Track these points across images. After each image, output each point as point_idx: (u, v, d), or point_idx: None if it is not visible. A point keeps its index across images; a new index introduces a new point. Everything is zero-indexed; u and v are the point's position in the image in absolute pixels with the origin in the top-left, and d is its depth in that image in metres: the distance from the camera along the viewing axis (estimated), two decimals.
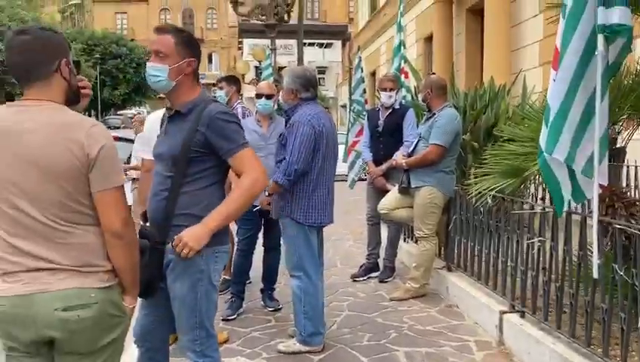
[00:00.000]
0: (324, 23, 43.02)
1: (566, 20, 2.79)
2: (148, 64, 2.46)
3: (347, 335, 4.11)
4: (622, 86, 3.34)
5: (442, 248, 5.12)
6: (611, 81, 3.36)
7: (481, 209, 4.24)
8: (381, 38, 22.86)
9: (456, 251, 4.86)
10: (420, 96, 4.76)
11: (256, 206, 4.46)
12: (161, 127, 2.68)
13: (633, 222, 3.38)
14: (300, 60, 24.67)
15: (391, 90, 5.37)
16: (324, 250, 4.13)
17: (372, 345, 3.93)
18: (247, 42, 38.41)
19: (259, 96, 4.60)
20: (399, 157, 4.83)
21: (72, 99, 1.98)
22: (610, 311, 2.82)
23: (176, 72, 2.44)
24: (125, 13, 58.52)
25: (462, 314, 4.46)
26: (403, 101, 5.91)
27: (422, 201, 4.71)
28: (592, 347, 2.99)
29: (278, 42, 37.28)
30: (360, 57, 8.06)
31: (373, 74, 25.11)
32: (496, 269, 4.12)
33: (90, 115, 42.75)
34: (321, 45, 37.44)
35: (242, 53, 40.64)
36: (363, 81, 7.79)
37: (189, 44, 2.48)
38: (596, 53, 2.80)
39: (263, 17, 9.66)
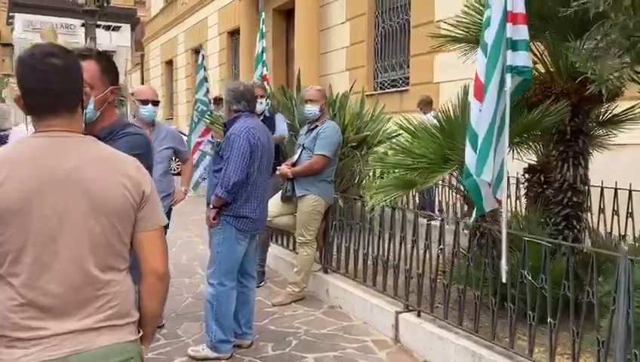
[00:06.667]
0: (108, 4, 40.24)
1: (488, 58, 3.20)
2: None
3: (248, 347, 4.13)
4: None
5: (319, 252, 5.36)
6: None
7: (370, 216, 4.56)
8: (178, 28, 22.38)
9: (335, 255, 5.14)
10: (316, 107, 4.85)
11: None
12: None
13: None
14: (87, 42, 22.95)
15: (261, 96, 5.43)
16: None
17: (279, 354, 4.01)
18: (20, 17, 34.55)
19: (144, 102, 4.33)
20: (284, 167, 4.92)
21: None
22: (517, 310, 3.32)
23: (101, 102, 2.27)
24: None
25: (347, 315, 4.75)
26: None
27: (306, 209, 4.88)
28: (496, 340, 3.47)
29: (58, 20, 33.75)
30: (203, 55, 7.90)
31: (169, 62, 24.39)
32: (386, 273, 4.47)
33: None
34: (108, 28, 35.08)
35: (13, 29, 36.32)
36: (207, 81, 7.66)
37: (112, 70, 2.31)
38: (505, 89, 3.27)
39: (82, 2, 8.87)
